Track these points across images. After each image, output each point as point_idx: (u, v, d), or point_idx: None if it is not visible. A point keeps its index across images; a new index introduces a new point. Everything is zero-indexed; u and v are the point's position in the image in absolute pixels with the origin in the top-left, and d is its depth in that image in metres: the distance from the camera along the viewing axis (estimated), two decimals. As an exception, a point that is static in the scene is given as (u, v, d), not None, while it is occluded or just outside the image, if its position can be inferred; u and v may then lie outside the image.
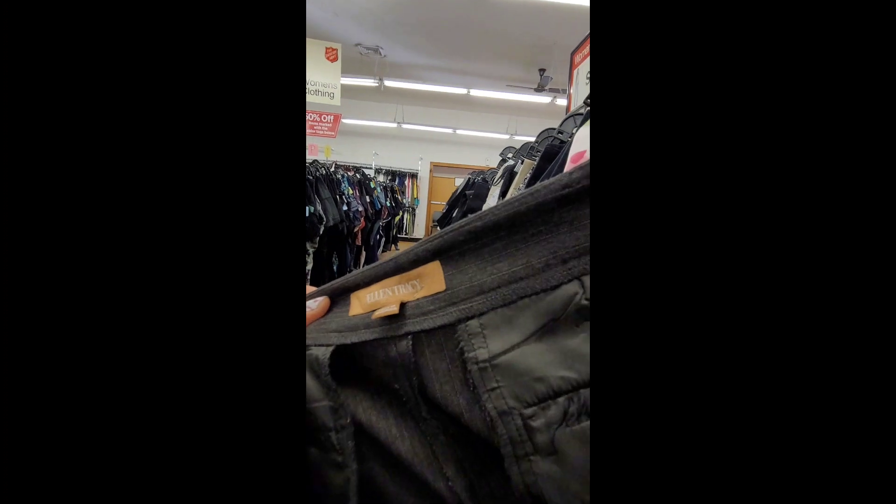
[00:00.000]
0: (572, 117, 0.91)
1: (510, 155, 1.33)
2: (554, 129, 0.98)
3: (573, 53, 1.36)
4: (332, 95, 3.28)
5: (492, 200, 1.38)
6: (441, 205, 5.77)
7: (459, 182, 3.19)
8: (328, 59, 3.24)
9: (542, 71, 3.98)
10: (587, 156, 0.38)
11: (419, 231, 6.54)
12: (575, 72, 1.34)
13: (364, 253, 3.83)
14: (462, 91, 4.33)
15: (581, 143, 0.44)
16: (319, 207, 2.47)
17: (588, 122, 0.43)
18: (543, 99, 4.25)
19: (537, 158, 0.89)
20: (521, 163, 1.19)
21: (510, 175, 1.26)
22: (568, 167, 0.41)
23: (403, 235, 6.40)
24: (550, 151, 0.82)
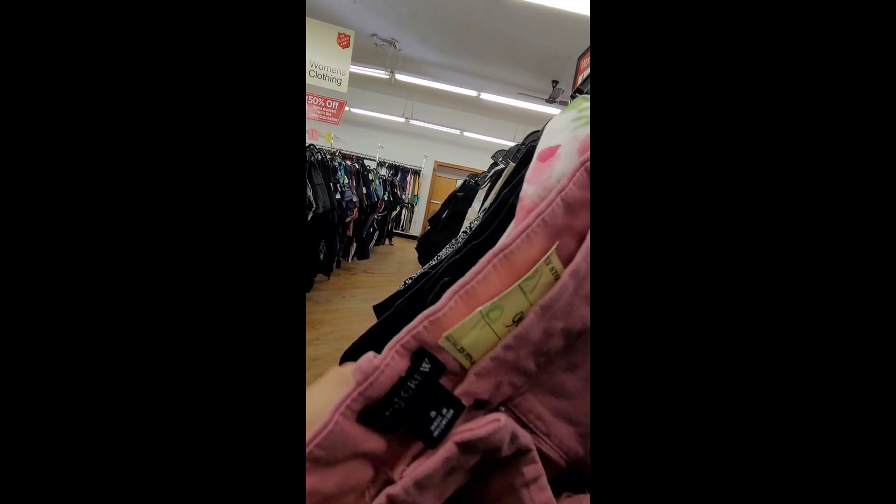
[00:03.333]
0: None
1: (500, 158, 1.28)
2: (539, 131, 0.93)
3: (580, 58, 1.31)
4: (339, 82, 3.24)
5: (477, 204, 1.33)
6: (439, 204, 5.72)
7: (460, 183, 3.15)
8: (340, 44, 3.19)
9: (554, 82, 3.95)
10: (560, 152, 0.29)
11: (416, 228, 6.50)
12: (580, 77, 1.29)
13: (355, 244, 3.78)
14: (472, 93, 4.29)
15: (552, 135, 0.33)
16: (310, 193, 2.41)
17: (565, 112, 0.35)
18: (553, 110, 4.22)
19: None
20: (507, 165, 1.14)
21: (497, 177, 1.21)
22: (533, 165, 0.33)
23: (400, 231, 6.36)
24: (528, 155, 0.77)
